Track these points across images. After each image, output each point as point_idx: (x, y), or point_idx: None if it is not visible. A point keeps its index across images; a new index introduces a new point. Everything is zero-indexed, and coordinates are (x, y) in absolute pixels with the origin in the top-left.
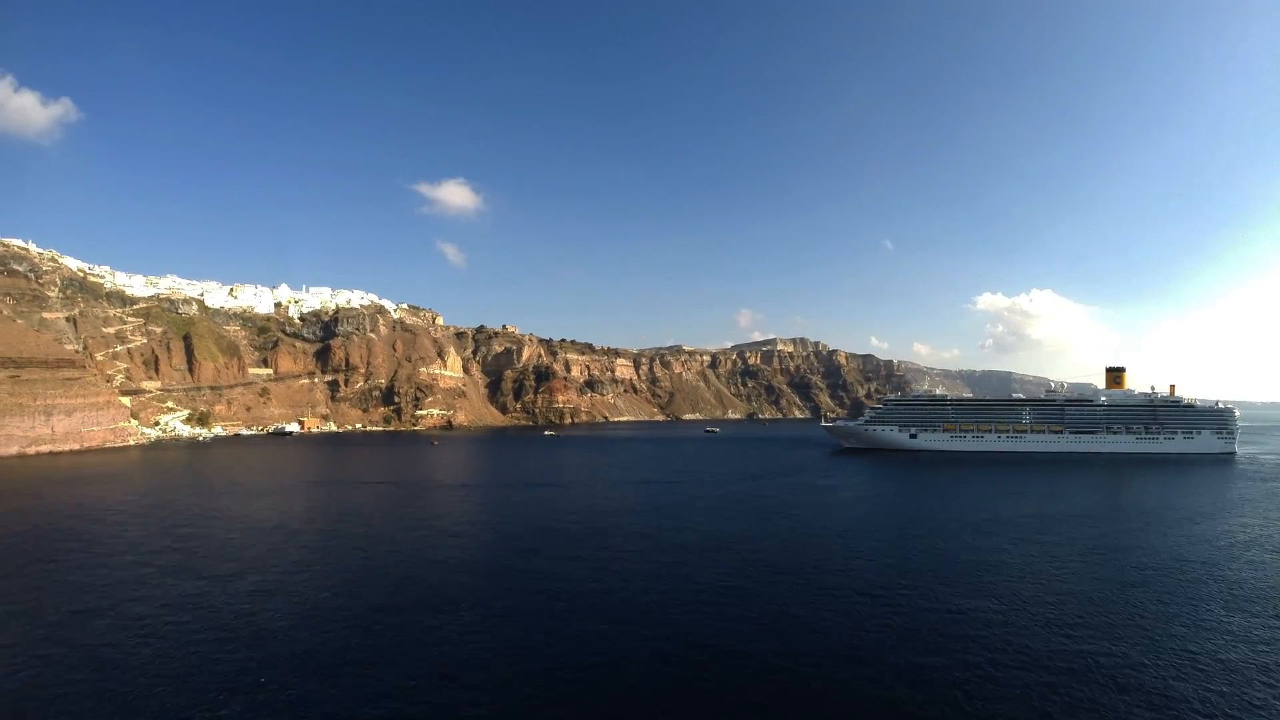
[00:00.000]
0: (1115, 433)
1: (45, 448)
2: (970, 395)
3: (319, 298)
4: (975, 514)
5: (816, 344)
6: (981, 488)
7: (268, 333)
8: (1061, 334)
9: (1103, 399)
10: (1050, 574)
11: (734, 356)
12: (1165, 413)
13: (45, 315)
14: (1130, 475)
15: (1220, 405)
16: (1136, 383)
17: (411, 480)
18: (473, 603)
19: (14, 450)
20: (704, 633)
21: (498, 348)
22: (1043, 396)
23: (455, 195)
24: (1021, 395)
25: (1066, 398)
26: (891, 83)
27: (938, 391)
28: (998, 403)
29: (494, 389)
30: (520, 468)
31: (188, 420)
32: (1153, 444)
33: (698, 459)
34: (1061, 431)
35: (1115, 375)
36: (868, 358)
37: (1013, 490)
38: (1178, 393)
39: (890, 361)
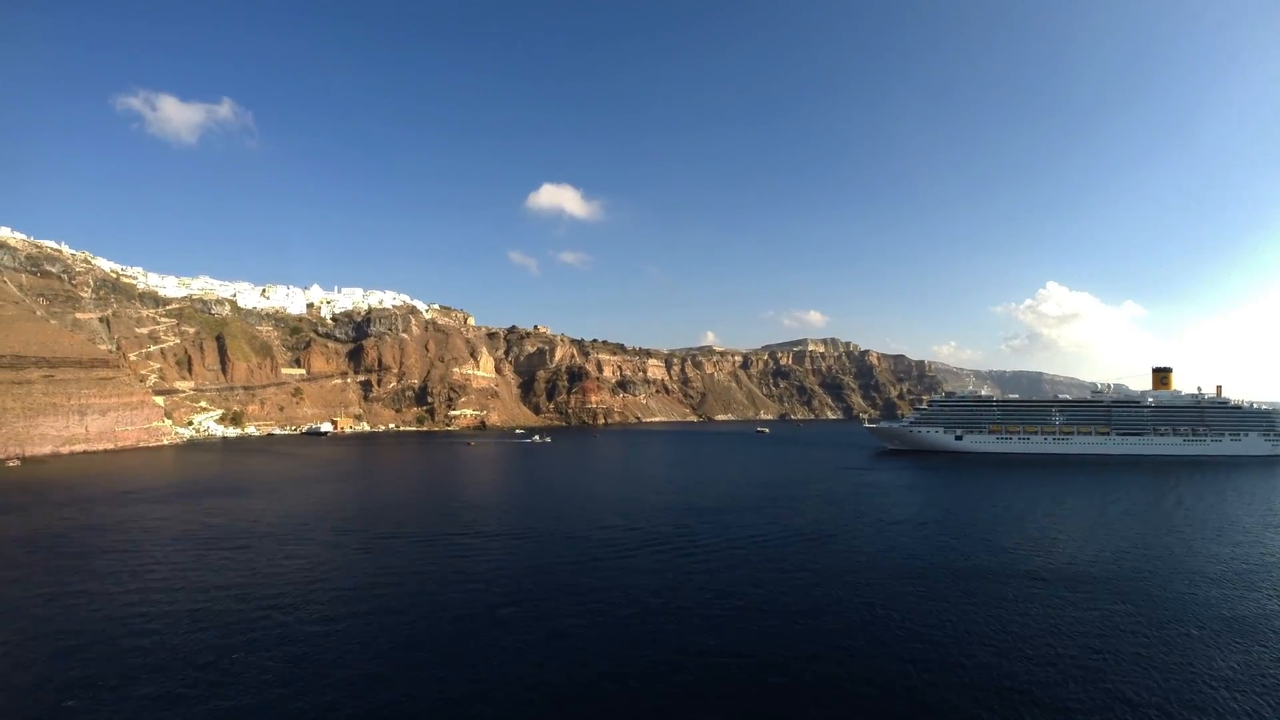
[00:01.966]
0: (1162, 434)
1: (79, 447)
2: (1013, 396)
3: (351, 298)
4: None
5: (848, 344)
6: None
7: (300, 333)
8: (1089, 335)
9: (1149, 400)
10: None
11: (765, 357)
12: (1212, 414)
13: (78, 316)
14: (1199, 480)
15: (1257, 406)
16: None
17: (479, 525)
18: None
19: (48, 449)
20: None
21: (530, 348)
22: (1089, 398)
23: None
24: (1067, 396)
25: (1113, 399)
26: (916, 86)
27: (983, 392)
28: (1044, 404)
29: (526, 389)
30: (593, 480)
31: (221, 420)
32: (1199, 446)
33: (793, 465)
34: (1108, 433)
35: (1161, 376)
36: (899, 358)
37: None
38: (1224, 393)
39: (922, 362)
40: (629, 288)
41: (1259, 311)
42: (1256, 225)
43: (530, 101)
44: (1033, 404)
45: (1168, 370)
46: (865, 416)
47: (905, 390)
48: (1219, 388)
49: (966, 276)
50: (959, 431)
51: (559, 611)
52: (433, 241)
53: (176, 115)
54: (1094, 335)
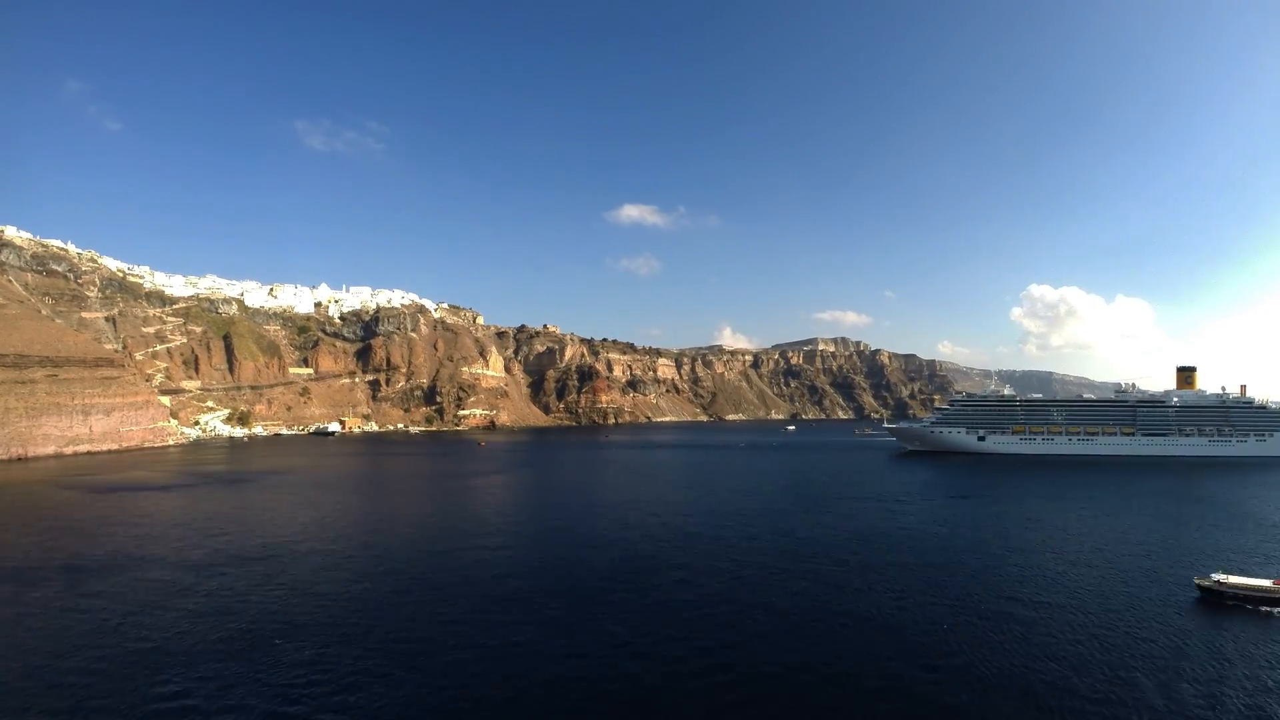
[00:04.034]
0: (1187, 435)
1: (83, 448)
2: (1036, 396)
3: (359, 297)
4: None
5: (858, 343)
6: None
7: (308, 332)
8: (1093, 334)
9: (1175, 400)
10: None
11: (776, 356)
12: (1237, 414)
13: (84, 315)
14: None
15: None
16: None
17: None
18: None
19: (51, 450)
20: None
21: (539, 347)
22: (1112, 397)
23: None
24: (1091, 395)
25: (1138, 398)
26: (923, 86)
27: (1005, 391)
28: (1068, 403)
29: (536, 389)
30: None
31: (228, 420)
32: (1225, 447)
33: (819, 468)
34: (1133, 434)
35: (1186, 375)
36: (910, 357)
37: None
38: (1248, 393)
39: (933, 361)
40: (657, 289)
41: (1273, 308)
42: (1266, 221)
43: (577, 102)
44: (1057, 403)
45: (1192, 369)
46: (877, 416)
47: (916, 390)
48: (1243, 387)
49: (968, 276)
50: (981, 432)
51: None
52: (442, 240)
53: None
54: (1098, 334)
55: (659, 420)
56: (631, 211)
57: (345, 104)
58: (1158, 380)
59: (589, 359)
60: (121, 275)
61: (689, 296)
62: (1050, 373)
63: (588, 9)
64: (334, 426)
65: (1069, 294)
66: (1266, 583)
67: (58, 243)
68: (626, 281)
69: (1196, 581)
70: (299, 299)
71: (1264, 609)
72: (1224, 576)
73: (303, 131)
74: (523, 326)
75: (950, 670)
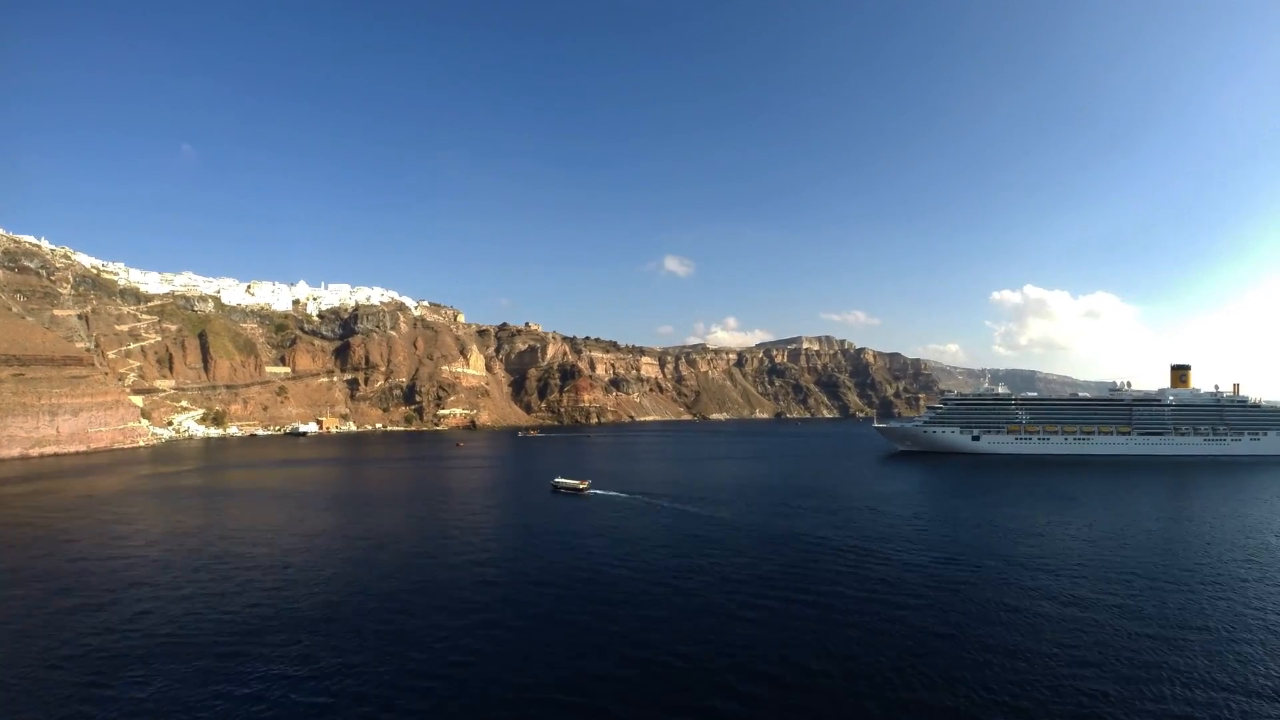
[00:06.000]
0: (1183, 434)
1: (50, 449)
2: (1031, 394)
3: (338, 295)
4: None
5: (843, 342)
6: None
7: (285, 330)
8: (1074, 332)
9: (1170, 399)
10: None
11: (760, 355)
12: (1231, 413)
13: (56, 312)
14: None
15: (1274, 405)
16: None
17: None
18: None
19: (16, 452)
20: None
21: (521, 346)
22: (1107, 395)
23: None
24: (1087, 394)
25: (1134, 397)
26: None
27: (1000, 390)
28: (1066, 402)
29: (517, 388)
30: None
31: (202, 420)
32: (1220, 445)
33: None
34: (1129, 433)
35: (1181, 374)
36: (894, 356)
37: None
38: (1241, 391)
39: (918, 360)
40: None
41: (1255, 304)
42: (1248, 220)
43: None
44: (1054, 402)
45: (1186, 368)
46: (862, 415)
47: (901, 389)
48: (1236, 385)
49: (956, 276)
50: (976, 431)
51: None
52: (430, 239)
53: None
54: (1080, 332)
55: (642, 419)
56: (659, 234)
57: (329, 101)
58: (1143, 379)
59: (571, 358)
60: (95, 272)
61: (699, 296)
62: (1034, 371)
63: (585, 8)
64: (309, 427)
65: (1049, 295)
66: (577, 482)
67: (30, 238)
68: (648, 282)
69: (551, 482)
70: (277, 296)
71: (577, 494)
72: (560, 480)
73: (288, 128)
74: (504, 325)
75: None
